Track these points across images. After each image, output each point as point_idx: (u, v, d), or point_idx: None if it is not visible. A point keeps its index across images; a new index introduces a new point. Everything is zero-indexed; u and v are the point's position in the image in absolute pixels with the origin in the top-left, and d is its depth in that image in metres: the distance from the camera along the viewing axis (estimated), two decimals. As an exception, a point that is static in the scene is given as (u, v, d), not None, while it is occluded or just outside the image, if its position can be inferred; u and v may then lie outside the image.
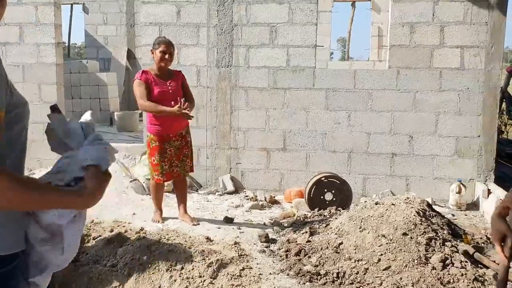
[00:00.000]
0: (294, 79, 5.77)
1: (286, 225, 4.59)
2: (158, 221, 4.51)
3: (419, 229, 3.52)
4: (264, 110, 5.86)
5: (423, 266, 3.21)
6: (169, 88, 4.30)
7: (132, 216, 4.78)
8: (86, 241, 3.93)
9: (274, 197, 5.74)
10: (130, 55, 12.57)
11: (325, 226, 4.12)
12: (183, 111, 4.12)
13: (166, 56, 4.28)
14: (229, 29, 5.83)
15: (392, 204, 3.90)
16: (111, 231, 4.10)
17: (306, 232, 4.01)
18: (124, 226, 4.33)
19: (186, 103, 4.17)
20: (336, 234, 3.83)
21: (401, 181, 5.65)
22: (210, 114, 5.93)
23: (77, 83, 10.80)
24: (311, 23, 5.66)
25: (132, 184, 5.67)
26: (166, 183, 4.84)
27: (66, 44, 16.29)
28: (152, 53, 4.35)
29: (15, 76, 6.36)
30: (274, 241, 4.09)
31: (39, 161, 6.48)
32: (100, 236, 3.99)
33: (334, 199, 5.11)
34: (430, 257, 3.29)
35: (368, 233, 3.61)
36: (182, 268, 3.43)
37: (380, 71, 5.80)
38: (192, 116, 4.35)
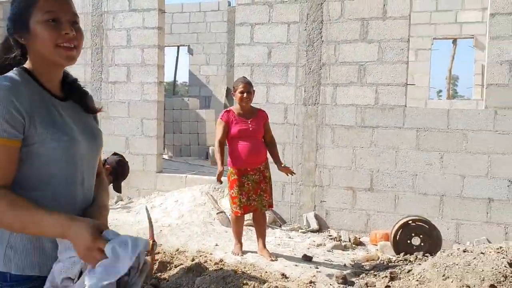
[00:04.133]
0: (383, 118, 5.67)
1: (367, 268, 4.43)
2: (238, 254, 4.60)
3: (510, 281, 3.22)
4: (351, 148, 5.80)
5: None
6: (250, 126, 4.47)
7: (214, 247, 4.93)
8: (168, 268, 4.13)
9: (359, 238, 5.58)
10: (229, 93, 13.19)
11: (407, 272, 3.90)
12: (290, 171, 4.58)
13: (245, 95, 4.47)
14: (317, 68, 5.92)
15: (481, 253, 3.61)
16: (192, 260, 4.26)
17: (386, 276, 3.84)
18: (205, 256, 4.48)
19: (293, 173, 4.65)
20: (417, 280, 3.61)
21: (499, 229, 5.20)
22: (296, 151, 5.99)
23: (179, 119, 11.55)
24: (401, 62, 5.56)
25: (218, 216, 5.87)
26: (248, 217, 4.95)
27: (172, 83, 17.54)
28: (234, 93, 4.58)
29: (121, 111, 7.00)
30: (352, 283, 3.96)
31: (138, 190, 6.98)
32: (181, 264, 4.16)
33: (422, 244, 4.84)
34: (522, 315, 2.98)
35: (452, 282, 3.36)
36: (255, 302, 3.46)
37: (475, 111, 5.49)
38: (294, 173, 4.75)
